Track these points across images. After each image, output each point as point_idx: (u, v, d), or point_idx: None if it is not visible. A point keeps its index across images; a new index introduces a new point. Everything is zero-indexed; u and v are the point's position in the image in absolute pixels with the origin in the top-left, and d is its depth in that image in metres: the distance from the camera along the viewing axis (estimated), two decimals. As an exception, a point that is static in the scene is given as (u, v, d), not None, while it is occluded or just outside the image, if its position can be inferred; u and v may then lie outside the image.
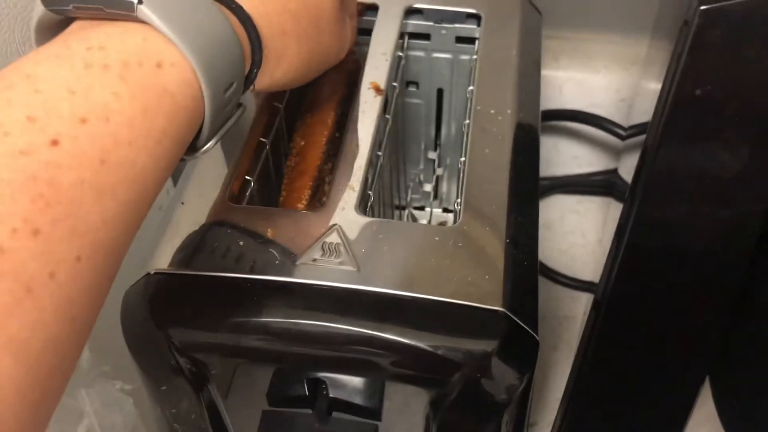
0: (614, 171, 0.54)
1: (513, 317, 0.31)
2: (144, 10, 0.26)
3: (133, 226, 0.26)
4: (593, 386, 0.31)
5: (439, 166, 0.53)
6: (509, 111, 0.39)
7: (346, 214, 0.34)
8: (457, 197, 0.36)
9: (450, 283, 0.31)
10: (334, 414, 0.34)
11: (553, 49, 0.61)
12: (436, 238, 0.33)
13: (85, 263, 0.23)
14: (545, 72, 0.61)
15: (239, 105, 0.31)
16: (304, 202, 0.39)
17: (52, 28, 0.28)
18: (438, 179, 0.53)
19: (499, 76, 0.42)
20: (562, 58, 0.61)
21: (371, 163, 0.37)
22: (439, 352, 0.30)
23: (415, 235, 0.34)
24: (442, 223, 0.55)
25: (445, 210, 0.57)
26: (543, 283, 0.60)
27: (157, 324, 0.32)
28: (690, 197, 0.26)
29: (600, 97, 0.60)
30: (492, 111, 0.39)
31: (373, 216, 0.37)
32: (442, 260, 0.32)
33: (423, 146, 0.54)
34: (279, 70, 0.34)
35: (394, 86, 0.43)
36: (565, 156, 0.65)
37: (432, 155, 0.53)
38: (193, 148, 0.30)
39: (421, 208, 0.57)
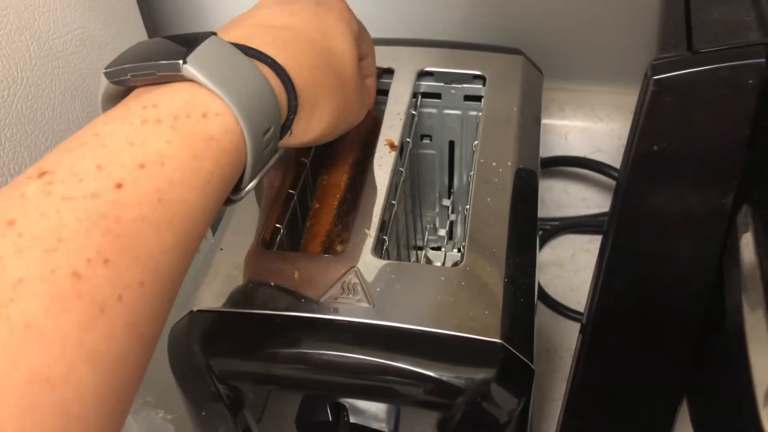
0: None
1: (510, 348, 0.35)
2: (189, 69, 0.30)
3: (188, 256, 0.29)
4: (582, 406, 0.35)
5: (452, 212, 0.57)
6: (509, 163, 0.44)
7: (363, 257, 0.39)
8: (463, 241, 0.41)
9: (454, 318, 0.36)
10: (355, 437, 0.38)
11: (560, 100, 0.65)
12: (443, 278, 0.38)
13: (148, 287, 0.26)
14: (552, 121, 0.66)
15: (276, 150, 0.35)
16: None
17: (115, 97, 0.33)
18: (452, 224, 0.58)
19: (501, 131, 0.46)
20: (567, 108, 0.65)
21: (386, 211, 0.42)
22: (445, 378, 0.34)
23: (424, 275, 0.39)
24: (457, 263, 0.59)
25: (460, 250, 0.61)
26: (555, 318, 0.64)
27: (199, 355, 0.36)
28: (654, 232, 0.30)
29: (603, 143, 0.64)
30: (494, 163, 0.44)
31: (389, 258, 0.41)
32: (447, 297, 0.37)
33: (437, 193, 0.58)
34: (314, 119, 0.37)
35: (408, 141, 0.48)
36: (575, 198, 0.69)
37: (446, 202, 0.58)
38: (237, 188, 0.33)
39: (438, 248, 0.61)
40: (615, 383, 0.34)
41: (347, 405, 0.37)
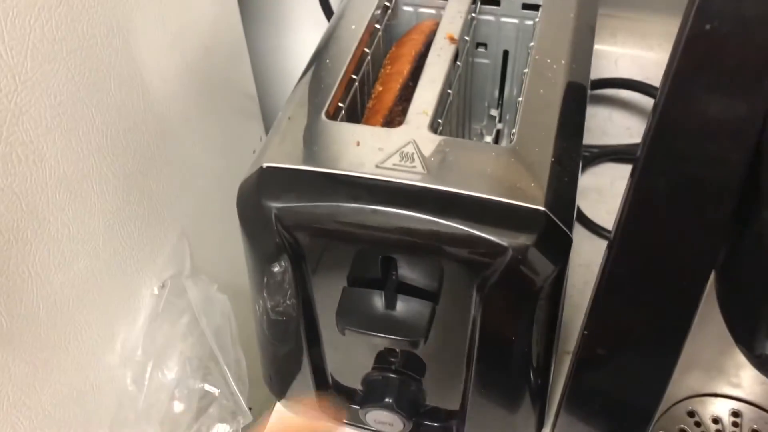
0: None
1: (552, 216, 0.38)
2: None
3: None
4: (606, 311, 0.37)
5: (499, 121, 0.60)
6: (563, 61, 0.46)
7: (420, 132, 0.42)
8: (513, 128, 0.44)
9: (502, 186, 0.39)
10: (400, 295, 0.42)
11: (612, 27, 0.67)
12: (493, 154, 0.41)
13: None
14: (603, 47, 0.68)
15: None
16: None
17: None
18: (498, 132, 0.60)
19: (557, 34, 0.49)
20: (619, 35, 0.67)
21: (442, 96, 0.45)
22: (488, 237, 0.38)
23: (475, 150, 0.42)
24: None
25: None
26: (591, 238, 0.67)
27: (267, 205, 0.40)
28: (698, 118, 0.32)
29: (653, 71, 0.66)
30: (548, 60, 0.46)
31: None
32: (496, 169, 0.40)
33: (486, 104, 0.61)
34: None
35: (466, 40, 0.50)
36: (618, 126, 0.71)
37: (494, 112, 0.61)
38: None
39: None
40: (638, 288, 0.36)
41: (395, 264, 0.41)
